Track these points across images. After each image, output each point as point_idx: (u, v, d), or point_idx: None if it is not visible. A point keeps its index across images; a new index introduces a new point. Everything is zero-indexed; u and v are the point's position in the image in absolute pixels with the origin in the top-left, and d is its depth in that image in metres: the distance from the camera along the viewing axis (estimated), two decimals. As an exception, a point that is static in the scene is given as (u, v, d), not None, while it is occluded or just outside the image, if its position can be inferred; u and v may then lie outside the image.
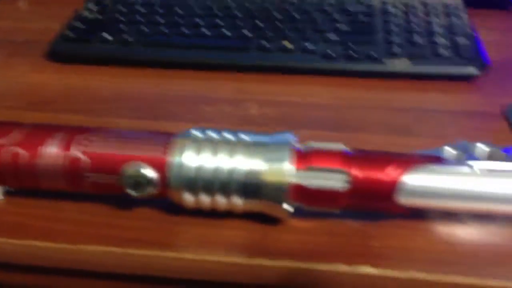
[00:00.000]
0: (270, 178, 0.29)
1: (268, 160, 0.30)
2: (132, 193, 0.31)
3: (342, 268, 0.29)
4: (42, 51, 0.52)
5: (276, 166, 0.29)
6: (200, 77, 0.49)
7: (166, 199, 0.32)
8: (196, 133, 0.31)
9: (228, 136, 0.31)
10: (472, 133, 0.40)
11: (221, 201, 0.30)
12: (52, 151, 0.30)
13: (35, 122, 0.40)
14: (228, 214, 0.32)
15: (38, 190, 0.33)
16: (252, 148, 0.30)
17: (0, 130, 0.32)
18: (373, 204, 0.30)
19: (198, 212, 0.32)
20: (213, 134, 0.31)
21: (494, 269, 0.29)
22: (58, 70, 0.50)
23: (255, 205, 0.30)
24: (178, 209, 0.32)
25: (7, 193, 0.34)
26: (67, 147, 0.31)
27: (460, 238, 0.31)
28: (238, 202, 0.30)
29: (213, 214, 0.32)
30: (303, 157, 0.30)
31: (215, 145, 0.30)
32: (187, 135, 0.31)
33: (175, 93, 0.46)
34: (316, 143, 0.31)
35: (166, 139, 0.31)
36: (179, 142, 0.31)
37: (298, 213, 0.32)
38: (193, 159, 0.30)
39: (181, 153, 0.30)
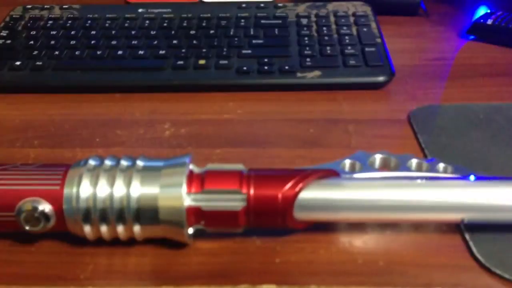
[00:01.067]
0: (166, 203, 0.29)
1: (163, 185, 0.30)
2: (30, 229, 0.30)
3: None
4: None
5: (171, 190, 0.29)
6: (114, 100, 0.48)
7: (68, 232, 0.31)
8: (92, 162, 0.31)
9: (125, 162, 0.31)
10: (379, 141, 0.42)
11: (120, 230, 0.30)
12: None
13: None
14: (133, 242, 0.32)
15: None
16: (147, 174, 0.30)
17: None
18: (272, 222, 0.30)
19: (102, 242, 0.32)
20: (109, 162, 0.31)
21: (391, 277, 0.30)
22: (-35, 101, 0.48)
23: (155, 231, 0.30)
24: (82, 241, 0.32)
25: None
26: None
27: (361, 248, 0.32)
28: (137, 229, 0.30)
29: (118, 242, 0.32)
30: (199, 180, 0.30)
31: (110, 173, 0.30)
32: (82, 165, 0.31)
33: (88, 118, 0.46)
34: (215, 165, 0.31)
35: (61, 170, 0.31)
36: (73, 172, 0.30)
37: (203, 234, 0.32)
38: (87, 189, 0.30)
39: (75, 184, 0.30)
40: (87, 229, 0.30)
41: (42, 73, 0.50)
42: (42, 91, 0.49)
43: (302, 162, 0.39)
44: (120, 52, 0.52)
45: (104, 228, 0.30)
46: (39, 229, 0.30)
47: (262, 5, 0.60)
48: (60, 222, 0.30)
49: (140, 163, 0.31)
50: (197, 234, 0.32)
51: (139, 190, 0.30)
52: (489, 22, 0.56)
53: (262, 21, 0.56)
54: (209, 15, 0.58)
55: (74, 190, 0.30)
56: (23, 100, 0.48)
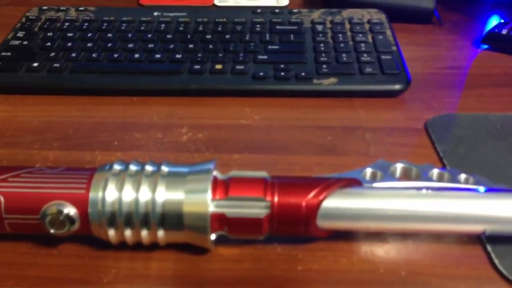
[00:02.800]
0: (191, 209, 0.29)
1: (188, 191, 0.30)
2: (55, 232, 0.30)
3: (267, 294, 0.30)
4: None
5: (196, 196, 0.30)
6: (131, 103, 0.48)
7: (91, 235, 0.32)
8: (117, 166, 0.31)
9: (150, 168, 0.31)
10: (397, 149, 0.42)
11: (144, 234, 0.30)
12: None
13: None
14: (155, 246, 0.32)
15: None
16: (172, 179, 0.30)
17: None
18: (295, 230, 0.30)
19: (125, 246, 0.32)
20: (134, 167, 0.31)
21: (414, 287, 0.30)
22: (-17, 101, 0.48)
23: (179, 236, 0.31)
24: (104, 244, 0.32)
25: None
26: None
27: (382, 257, 0.32)
28: (161, 234, 0.30)
29: (140, 247, 0.32)
30: (223, 187, 0.30)
31: (135, 178, 0.30)
32: (107, 169, 0.31)
33: (105, 120, 0.46)
34: (238, 172, 0.32)
35: (87, 174, 0.31)
36: (99, 177, 0.30)
37: (225, 241, 0.32)
38: (113, 193, 0.30)
39: (101, 188, 0.30)
40: (111, 233, 0.30)
41: (60, 75, 0.50)
42: (59, 93, 0.49)
43: (321, 170, 0.39)
44: (136, 56, 0.52)
45: (128, 232, 0.30)
46: (64, 233, 0.30)
47: (277, 10, 0.60)
48: (84, 225, 0.30)
49: (165, 168, 0.31)
50: (219, 240, 0.32)
51: (164, 195, 0.30)
52: (504, 32, 0.56)
53: (278, 27, 0.57)
54: (224, 19, 0.58)
55: (100, 194, 0.30)
56: (40, 102, 0.48)
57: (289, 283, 0.30)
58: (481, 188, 0.32)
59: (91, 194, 0.30)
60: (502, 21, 0.59)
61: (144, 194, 0.30)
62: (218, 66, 0.51)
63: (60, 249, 0.33)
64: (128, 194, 0.30)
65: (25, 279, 0.31)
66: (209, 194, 0.30)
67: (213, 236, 0.31)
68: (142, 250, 0.32)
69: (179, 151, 0.42)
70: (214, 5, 0.69)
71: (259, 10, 0.60)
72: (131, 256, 0.32)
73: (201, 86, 0.49)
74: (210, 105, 0.48)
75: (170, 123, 0.45)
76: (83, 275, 0.31)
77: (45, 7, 0.60)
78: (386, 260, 0.32)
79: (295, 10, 0.60)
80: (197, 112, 0.47)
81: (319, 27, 0.56)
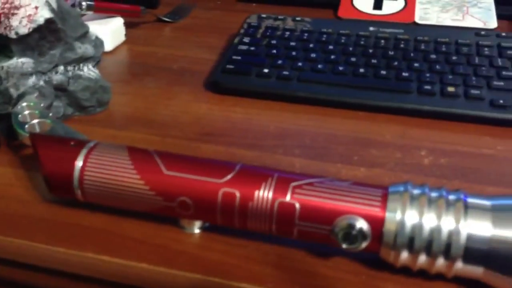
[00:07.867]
0: (499, 246, 0.28)
1: (496, 226, 0.28)
2: (344, 246, 0.30)
3: None
4: (199, 80, 0.53)
5: (505, 233, 0.28)
6: (360, 117, 0.48)
7: (371, 254, 0.31)
8: (412, 188, 0.30)
9: (448, 195, 0.30)
10: None
11: (439, 264, 0.29)
12: (266, 195, 0.30)
13: (210, 155, 0.42)
14: (436, 277, 0.30)
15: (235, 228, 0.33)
16: (476, 212, 0.29)
17: (216, 170, 0.32)
18: None
19: (402, 271, 0.31)
20: (431, 192, 0.30)
21: None
22: (219, 101, 0.50)
23: (476, 273, 0.29)
24: (379, 264, 0.31)
25: (202, 229, 0.35)
26: (282, 193, 0.30)
27: None
28: (454, 266, 0.29)
29: (418, 274, 0.31)
30: (537, 227, 0.28)
31: (435, 205, 0.29)
32: (402, 190, 0.30)
33: (337, 133, 0.46)
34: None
35: (380, 192, 0.30)
36: (395, 197, 0.30)
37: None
38: (413, 217, 0.29)
39: (398, 209, 0.29)
40: (402, 256, 0.29)
41: (288, 83, 0.51)
42: (287, 100, 0.50)
43: None
44: (361, 70, 0.52)
45: (422, 258, 0.29)
46: (353, 248, 0.30)
47: (503, 34, 0.57)
48: (373, 244, 0.30)
49: (464, 197, 0.29)
50: None
51: (469, 227, 0.28)
52: None
53: (509, 52, 0.53)
54: (446, 39, 0.56)
55: (398, 215, 0.29)
56: (271, 107, 0.49)
57: None
58: None
59: (388, 214, 0.29)
60: None
61: (448, 223, 0.28)
62: (451, 89, 0.48)
63: (336, 262, 0.32)
64: (430, 221, 0.29)
65: (304, 286, 0.31)
66: (518, 233, 0.28)
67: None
68: (419, 278, 0.31)
69: (424, 175, 0.40)
70: (415, 23, 0.67)
71: (483, 32, 0.57)
72: (408, 283, 0.31)
73: (434, 108, 0.47)
74: (445, 129, 0.46)
75: (406, 144, 0.44)
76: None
77: (264, 15, 0.62)
78: None
79: (523, 35, 0.56)
80: (433, 135, 0.45)
81: (554, 55, 0.52)
